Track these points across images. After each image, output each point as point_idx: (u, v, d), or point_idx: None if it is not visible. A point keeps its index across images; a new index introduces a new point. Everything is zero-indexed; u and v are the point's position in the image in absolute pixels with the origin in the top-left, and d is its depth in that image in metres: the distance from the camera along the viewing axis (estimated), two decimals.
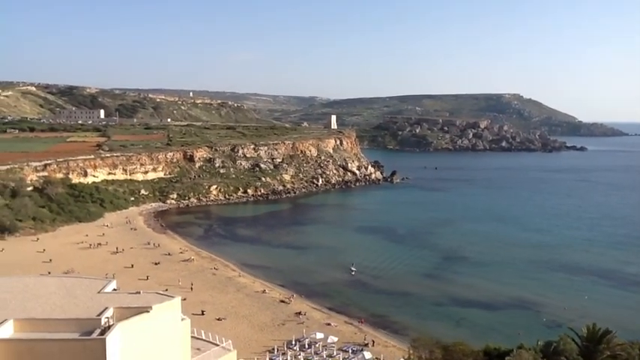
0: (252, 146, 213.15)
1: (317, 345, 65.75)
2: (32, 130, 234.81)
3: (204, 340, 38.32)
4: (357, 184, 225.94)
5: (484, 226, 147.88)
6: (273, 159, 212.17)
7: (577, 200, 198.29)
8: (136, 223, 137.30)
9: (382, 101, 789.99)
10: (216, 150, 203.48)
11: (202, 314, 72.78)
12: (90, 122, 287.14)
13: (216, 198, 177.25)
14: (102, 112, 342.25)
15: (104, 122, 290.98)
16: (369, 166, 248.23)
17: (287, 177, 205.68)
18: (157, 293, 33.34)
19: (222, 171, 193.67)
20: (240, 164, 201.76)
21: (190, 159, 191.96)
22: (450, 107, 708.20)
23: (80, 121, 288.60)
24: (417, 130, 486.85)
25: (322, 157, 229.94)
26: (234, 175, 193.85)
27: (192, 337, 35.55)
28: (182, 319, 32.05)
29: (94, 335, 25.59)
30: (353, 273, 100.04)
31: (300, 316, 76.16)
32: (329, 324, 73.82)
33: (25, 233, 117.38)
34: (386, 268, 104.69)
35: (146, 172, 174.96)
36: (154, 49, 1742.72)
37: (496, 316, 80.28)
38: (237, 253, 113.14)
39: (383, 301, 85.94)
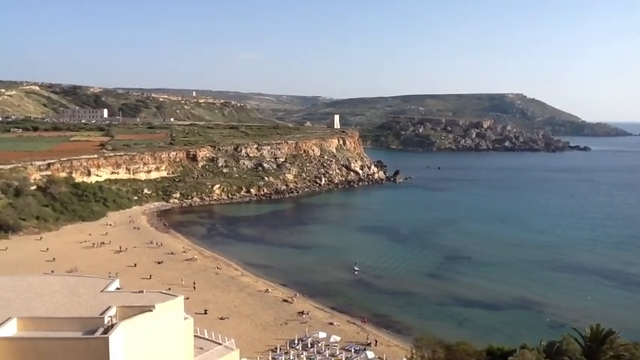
0: (255, 146, 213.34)
1: (319, 344, 65.70)
2: (36, 129, 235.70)
3: (207, 339, 38.44)
4: (360, 183, 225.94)
5: (487, 226, 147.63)
6: (276, 158, 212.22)
7: (580, 200, 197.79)
8: (139, 222, 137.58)
9: (385, 101, 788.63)
10: (219, 149, 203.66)
11: (205, 313, 72.88)
12: (93, 122, 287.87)
13: (219, 197, 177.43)
14: (105, 111, 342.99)
15: (107, 122, 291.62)
16: (372, 166, 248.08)
17: (290, 176, 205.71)
18: (159, 292, 33.47)
19: (225, 170, 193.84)
20: (243, 164, 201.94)
21: (193, 158, 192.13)
22: (453, 107, 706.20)
23: (83, 121, 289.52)
24: (420, 130, 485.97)
25: (325, 157, 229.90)
26: (237, 175, 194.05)
27: (195, 336, 35.62)
28: (185, 318, 32.13)
29: (97, 334, 25.70)
30: (356, 272, 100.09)
31: (303, 316, 76.19)
32: (331, 323, 73.82)
33: (28, 232, 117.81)
34: (389, 268, 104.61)
35: (149, 172, 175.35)
36: (156, 49, 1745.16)
37: (499, 316, 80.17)
38: (240, 253, 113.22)
39: (386, 300, 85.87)
